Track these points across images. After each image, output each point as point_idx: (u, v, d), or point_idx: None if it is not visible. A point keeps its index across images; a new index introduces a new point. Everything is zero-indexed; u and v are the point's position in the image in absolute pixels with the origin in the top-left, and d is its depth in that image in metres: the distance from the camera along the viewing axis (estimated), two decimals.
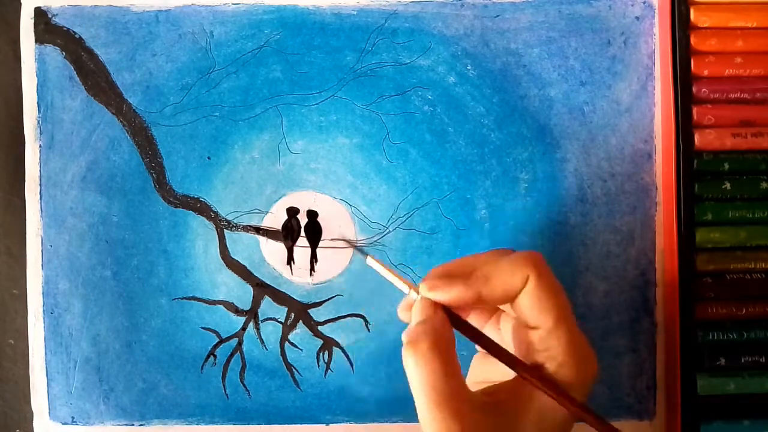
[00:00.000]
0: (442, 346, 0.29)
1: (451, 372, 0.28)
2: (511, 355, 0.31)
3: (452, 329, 0.30)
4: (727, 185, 0.40)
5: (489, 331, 0.35)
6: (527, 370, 0.30)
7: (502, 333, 0.34)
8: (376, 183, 0.41)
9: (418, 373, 0.28)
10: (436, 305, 0.30)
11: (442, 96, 0.41)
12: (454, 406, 0.28)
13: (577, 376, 0.30)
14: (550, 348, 0.29)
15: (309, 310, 0.42)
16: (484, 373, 0.34)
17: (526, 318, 0.30)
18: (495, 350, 0.31)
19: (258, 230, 0.41)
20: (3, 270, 0.42)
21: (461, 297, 0.30)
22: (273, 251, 0.42)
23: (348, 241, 0.40)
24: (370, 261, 0.34)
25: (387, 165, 0.41)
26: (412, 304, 0.31)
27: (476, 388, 0.30)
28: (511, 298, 0.30)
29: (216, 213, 0.41)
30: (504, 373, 0.31)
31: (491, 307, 0.35)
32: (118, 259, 0.41)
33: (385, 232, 0.41)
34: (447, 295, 0.30)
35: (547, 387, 0.29)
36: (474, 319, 0.35)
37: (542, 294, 0.29)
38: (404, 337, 0.29)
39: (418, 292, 0.31)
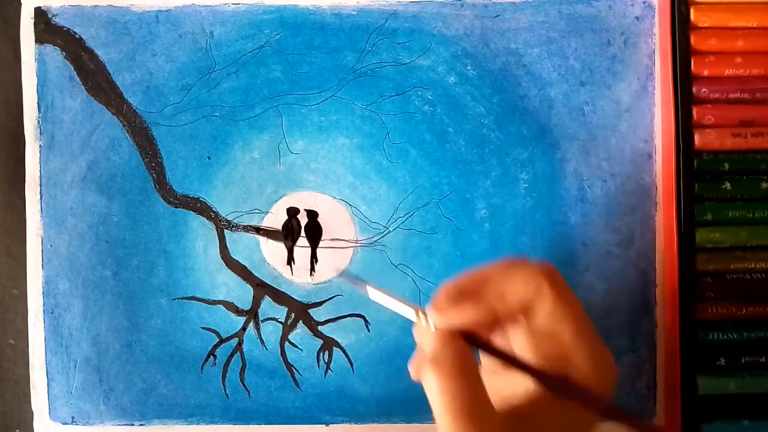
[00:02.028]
0: (464, 367, 0.28)
1: (475, 390, 0.28)
2: (536, 368, 0.29)
3: (471, 349, 0.29)
4: (727, 185, 0.40)
5: (498, 341, 0.33)
6: (554, 381, 0.29)
7: (512, 344, 0.32)
8: (376, 183, 0.41)
9: (442, 394, 0.27)
10: (453, 332, 0.29)
11: (442, 96, 0.41)
12: (480, 425, 0.27)
13: (602, 385, 0.29)
14: (573, 360, 0.28)
15: (309, 310, 0.42)
16: (491, 384, 0.31)
17: (545, 329, 0.29)
18: (520, 365, 0.29)
19: (258, 230, 0.41)
20: (3, 270, 0.42)
21: (475, 319, 0.29)
22: (273, 251, 0.42)
23: (348, 278, 0.38)
24: (371, 291, 0.32)
25: (387, 165, 0.41)
26: (423, 328, 0.30)
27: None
28: (526, 311, 0.29)
29: (216, 213, 0.41)
30: (513, 383, 0.30)
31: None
32: (118, 259, 0.41)
33: (385, 232, 0.41)
34: (460, 319, 0.29)
35: (575, 395, 0.28)
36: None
37: (559, 305, 0.28)
38: (423, 363, 0.28)
39: (426, 319, 0.30)
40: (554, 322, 0.29)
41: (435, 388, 0.27)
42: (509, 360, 0.30)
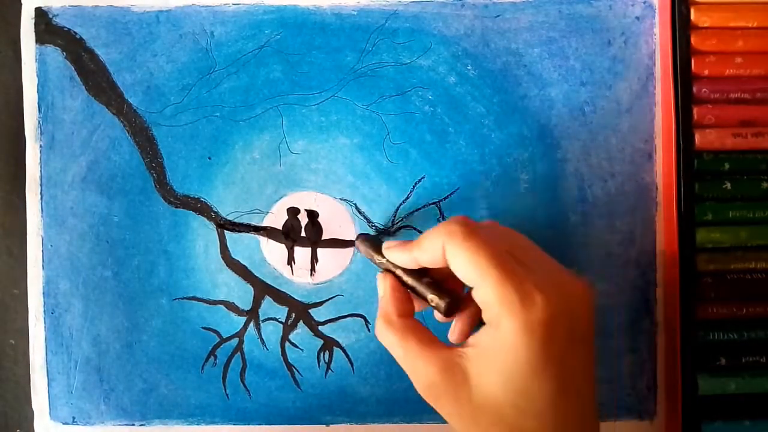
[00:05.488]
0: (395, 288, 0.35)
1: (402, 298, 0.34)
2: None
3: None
4: (728, 185, 0.40)
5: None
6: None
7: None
8: (377, 183, 0.41)
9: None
10: (387, 273, 0.36)
11: (442, 96, 0.41)
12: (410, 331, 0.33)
13: (516, 320, 0.29)
14: (488, 305, 0.30)
15: (309, 310, 0.42)
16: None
17: (461, 280, 0.32)
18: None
19: (258, 230, 0.41)
20: (3, 270, 0.42)
21: (402, 260, 0.35)
22: (273, 251, 0.42)
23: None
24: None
25: (387, 165, 0.41)
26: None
27: None
28: (440, 263, 0.32)
29: (216, 213, 0.41)
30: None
31: None
32: (119, 260, 0.41)
33: (386, 232, 0.41)
34: (393, 256, 0.35)
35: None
36: None
37: (455, 259, 0.31)
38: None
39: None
40: (459, 273, 0.31)
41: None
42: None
